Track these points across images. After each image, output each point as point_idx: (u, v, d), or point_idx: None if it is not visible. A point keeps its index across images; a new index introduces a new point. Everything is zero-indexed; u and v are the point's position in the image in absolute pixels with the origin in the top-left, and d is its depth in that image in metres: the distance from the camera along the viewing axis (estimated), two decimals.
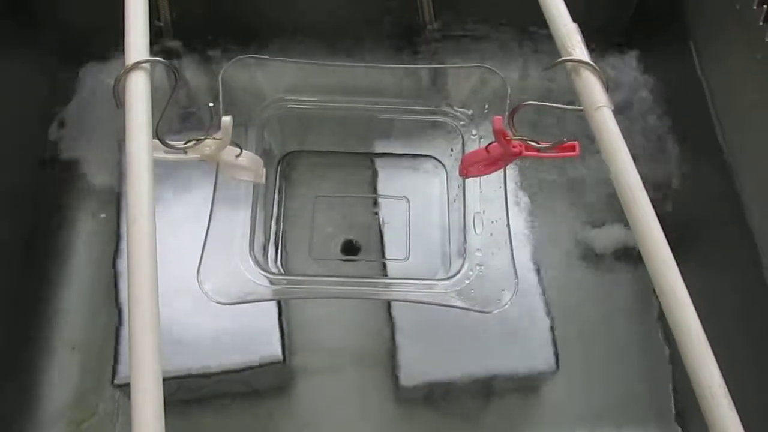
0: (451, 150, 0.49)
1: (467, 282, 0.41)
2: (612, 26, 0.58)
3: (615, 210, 0.52)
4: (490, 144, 0.39)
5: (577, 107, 0.34)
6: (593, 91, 0.33)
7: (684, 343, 0.27)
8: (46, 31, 0.54)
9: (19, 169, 0.50)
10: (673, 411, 0.48)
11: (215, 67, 0.55)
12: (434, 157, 0.51)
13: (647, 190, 0.31)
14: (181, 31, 0.55)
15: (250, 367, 0.42)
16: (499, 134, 0.36)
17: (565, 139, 0.35)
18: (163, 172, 0.45)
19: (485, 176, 0.43)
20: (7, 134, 0.48)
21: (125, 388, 0.40)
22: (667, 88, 0.56)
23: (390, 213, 0.49)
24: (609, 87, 0.33)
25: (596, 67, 0.33)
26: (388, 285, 0.45)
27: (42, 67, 0.55)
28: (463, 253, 0.43)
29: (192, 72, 0.55)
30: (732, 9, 0.46)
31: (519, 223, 0.48)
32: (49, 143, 0.52)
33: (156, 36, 0.52)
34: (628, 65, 0.57)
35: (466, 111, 0.47)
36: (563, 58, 0.34)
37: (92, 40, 0.55)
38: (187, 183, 0.46)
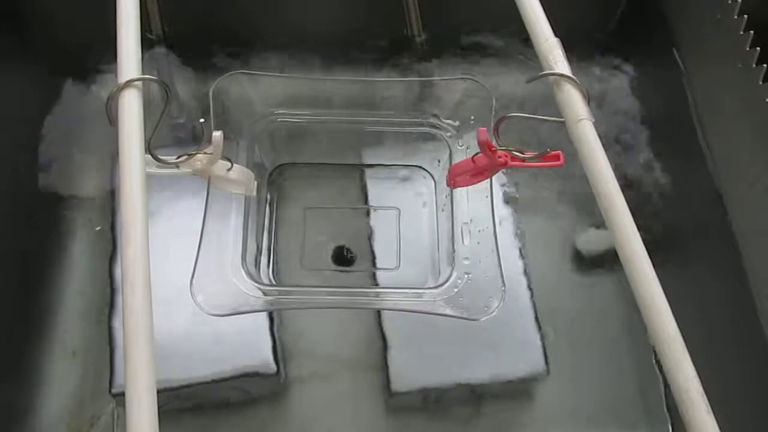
0: (439, 161, 0.50)
1: (456, 290, 0.42)
2: (596, 34, 0.59)
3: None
4: (476, 155, 0.40)
5: (558, 119, 0.34)
6: (574, 104, 0.33)
7: (661, 347, 0.27)
8: (38, 43, 0.55)
9: (13, 182, 0.50)
10: (665, 414, 0.48)
11: (207, 80, 0.55)
12: (423, 168, 0.51)
13: (629, 197, 0.32)
14: (172, 45, 0.55)
15: (243, 376, 0.42)
16: (483, 145, 0.37)
17: (548, 150, 0.36)
18: (155, 186, 0.46)
19: (472, 186, 0.44)
20: (0, 146, 0.49)
21: (122, 397, 0.41)
22: (652, 96, 0.56)
23: (380, 223, 0.50)
24: (590, 99, 0.34)
25: (577, 81, 0.34)
26: (378, 294, 0.45)
27: (34, 79, 0.55)
28: (451, 261, 0.44)
29: (183, 85, 0.55)
30: (713, 18, 0.47)
31: (508, 228, 0.48)
32: (42, 155, 0.52)
33: (148, 49, 0.53)
34: (612, 72, 0.58)
35: (452, 122, 0.47)
36: (545, 72, 0.35)
37: (85, 52, 0.55)
38: (180, 197, 0.47)
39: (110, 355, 0.42)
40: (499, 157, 0.37)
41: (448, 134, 0.48)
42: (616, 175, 0.32)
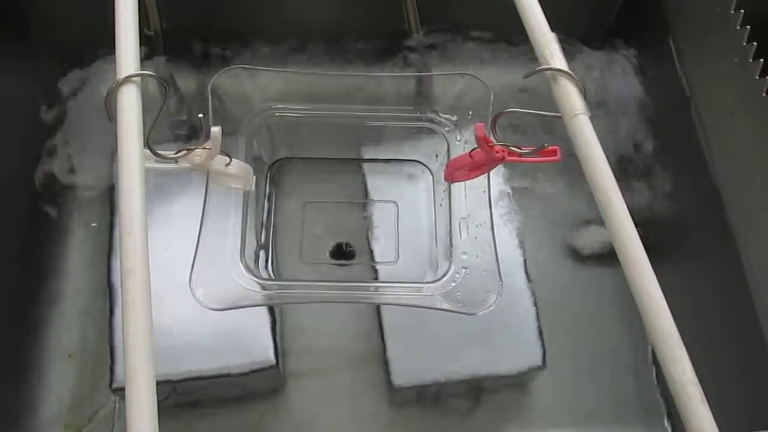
0: (437, 156, 0.50)
1: (453, 285, 0.42)
2: (593, 29, 0.59)
3: None
4: (473, 150, 0.40)
5: (555, 114, 0.34)
6: (571, 98, 0.33)
7: (658, 341, 0.27)
8: (38, 39, 0.55)
9: (12, 180, 0.50)
10: (662, 409, 0.48)
11: (205, 76, 0.56)
12: (421, 162, 0.52)
13: (627, 193, 0.32)
14: (171, 40, 0.55)
15: (243, 371, 0.42)
16: (481, 141, 0.37)
17: (545, 145, 0.36)
18: (154, 181, 0.46)
19: (470, 181, 0.44)
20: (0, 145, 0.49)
21: (122, 392, 0.41)
22: (650, 90, 0.56)
23: (379, 217, 0.50)
24: (586, 94, 0.34)
25: (573, 76, 0.34)
26: (377, 288, 0.46)
27: (34, 78, 0.55)
28: (449, 255, 0.44)
29: (181, 81, 0.55)
30: (711, 13, 0.47)
31: (505, 223, 0.48)
32: (41, 151, 0.52)
33: (146, 46, 0.53)
34: (609, 67, 0.58)
35: (450, 117, 0.48)
36: (542, 67, 0.35)
37: (85, 50, 0.55)
38: (179, 192, 0.47)
39: (110, 351, 0.42)
40: (497, 152, 0.37)
41: (446, 129, 0.48)
42: (612, 170, 0.32)
